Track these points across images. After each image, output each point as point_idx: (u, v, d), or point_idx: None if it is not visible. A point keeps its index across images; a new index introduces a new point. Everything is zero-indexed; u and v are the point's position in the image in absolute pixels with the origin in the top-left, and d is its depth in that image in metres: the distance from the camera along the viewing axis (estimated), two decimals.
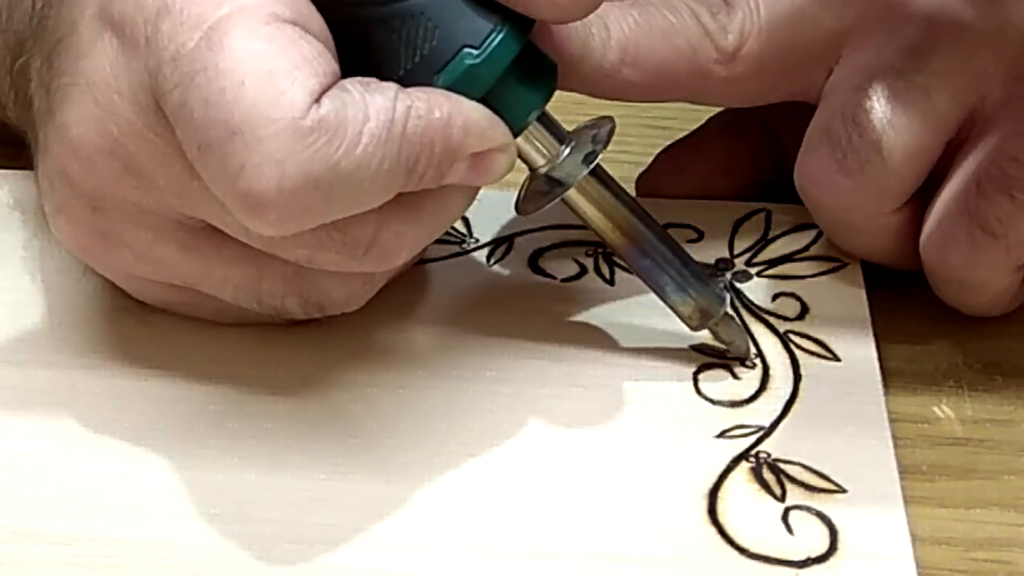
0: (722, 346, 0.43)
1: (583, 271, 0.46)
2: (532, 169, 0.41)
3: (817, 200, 0.44)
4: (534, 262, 0.46)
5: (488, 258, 0.46)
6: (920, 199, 0.44)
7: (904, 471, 0.40)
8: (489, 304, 0.45)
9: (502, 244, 0.47)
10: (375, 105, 0.36)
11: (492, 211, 0.48)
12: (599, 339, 0.43)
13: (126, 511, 0.38)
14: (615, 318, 0.44)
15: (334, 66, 0.37)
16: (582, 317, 0.44)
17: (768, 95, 0.46)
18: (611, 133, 0.41)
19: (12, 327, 0.44)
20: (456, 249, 0.47)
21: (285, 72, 0.36)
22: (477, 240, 0.47)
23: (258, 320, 0.42)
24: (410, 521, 0.38)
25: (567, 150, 0.41)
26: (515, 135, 0.39)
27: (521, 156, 0.40)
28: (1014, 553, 0.38)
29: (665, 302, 0.42)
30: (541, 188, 0.41)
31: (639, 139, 0.51)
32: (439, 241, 0.46)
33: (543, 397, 0.42)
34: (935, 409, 0.42)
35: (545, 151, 0.40)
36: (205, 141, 0.36)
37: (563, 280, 0.46)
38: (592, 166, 0.40)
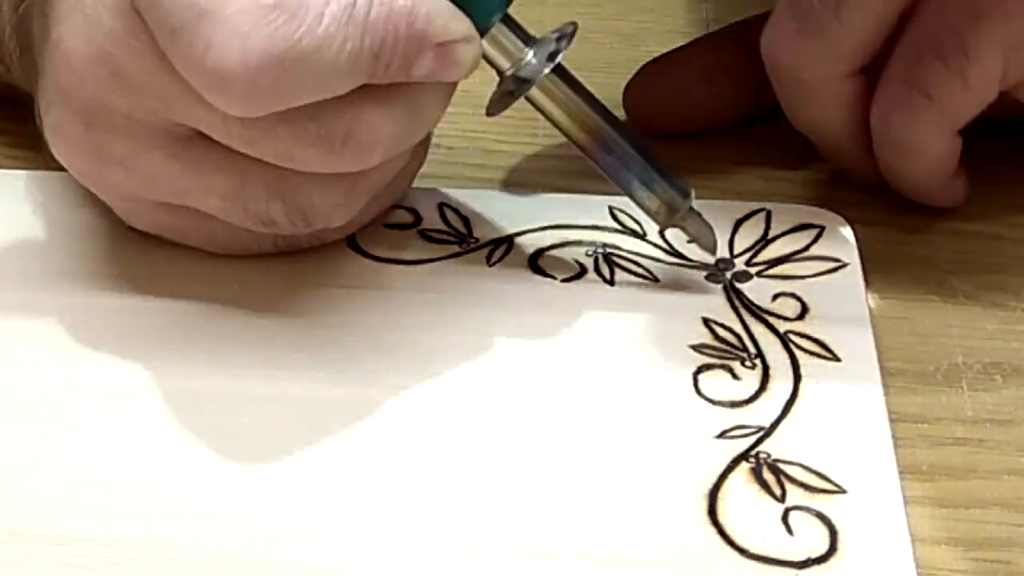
0: (690, 239, 0.45)
1: (583, 271, 0.46)
2: (500, 73, 0.43)
3: (778, 61, 0.46)
4: (534, 262, 0.46)
5: (488, 258, 0.46)
6: (871, 74, 0.46)
7: (904, 471, 0.40)
8: (489, 304, 0.45)
9: (502, 244, 0.47)
10: None
11: (492, 211, 0.48)
12: (599, 339, 0.43)
13: (126, 511, 0.38)
14: (615, 318, 0.44)
15: None
16: (582, 317, 0.44)
17: None
18: (573, 34, 0.43)
19: (12, 327, 0.44)
20: (456, 249, 0.47)
21: None
22: (477, 240, 0.47)
23: (246, 246, 0.44)
24: (410, 521, 0.38)
25: (531, 51, 0.43)
26: (481, 36, 0.41)
27: (488, 60, 0.42)
28: (1014, 553, 0.38)
29: (632, 198, 0.44)
30: (507, 89, 0.43)
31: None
32: (439, 241, 0.47)
33: (543, 397, 0.42)
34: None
35: (511, 53, 0.42)
36: (174, 25, 0.38)
37: (563, 280, 0.46)
38: (555, 64, 0.42)
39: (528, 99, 0.43)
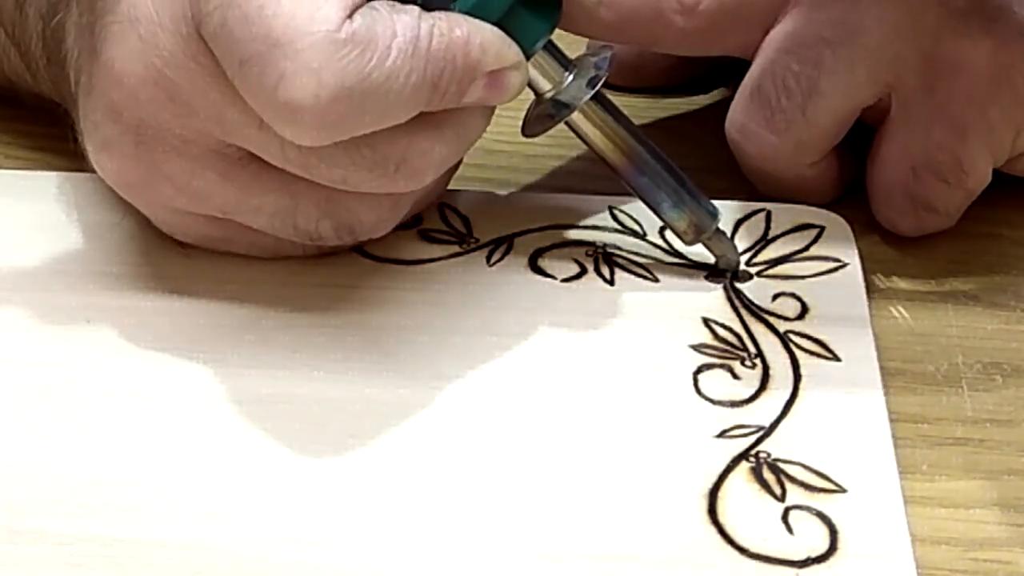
0: (714, 258, 0.46)
1: (583, 271, 0.46)
2: (538, 94, 0.44)
3: (744, 150, 0.48)
4: (534, 262, 0.46)
5: (488, 258, 0.46)
6: (835, 152, 0.48)
7: (904, 471, 0.40)
8: (489, 304, 0.45)
9: (502, 244, 0.47)
10: (402, 22, 0.39)
11: (492, 211, 0.48)
12: (599, 339, 0.43)
13: (126, 511, 0.38)
14: (615, 318, 0.44)
15: None
16: (582, 317, 0.44)
17: (714, 48, 0.50)
18: (613, 60, 0.44)
19: (16, 326, 0.44)
20: (456, 249, 0.47)
21: None
22: (477, 240, 0.47)
23: (291, 252, 0.45)
24: (410, 521, 0.38)
25: (571, 76, 0.43)
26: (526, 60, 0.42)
27: (528, 82, 0.43)
28: (1014, 553, 0.38)
29: (661, 217, 0.45)
30: (547, 112, 0.44)
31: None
32: (439, 241, 0.47)
33: (543, 397, 0.42)
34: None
35: (551, 76, 0.43)
36: (245, 55, 0.38)
37: (563, 280, 0.46)
38: (595, 90, 0.43)
39: (566, 122, 0.44)
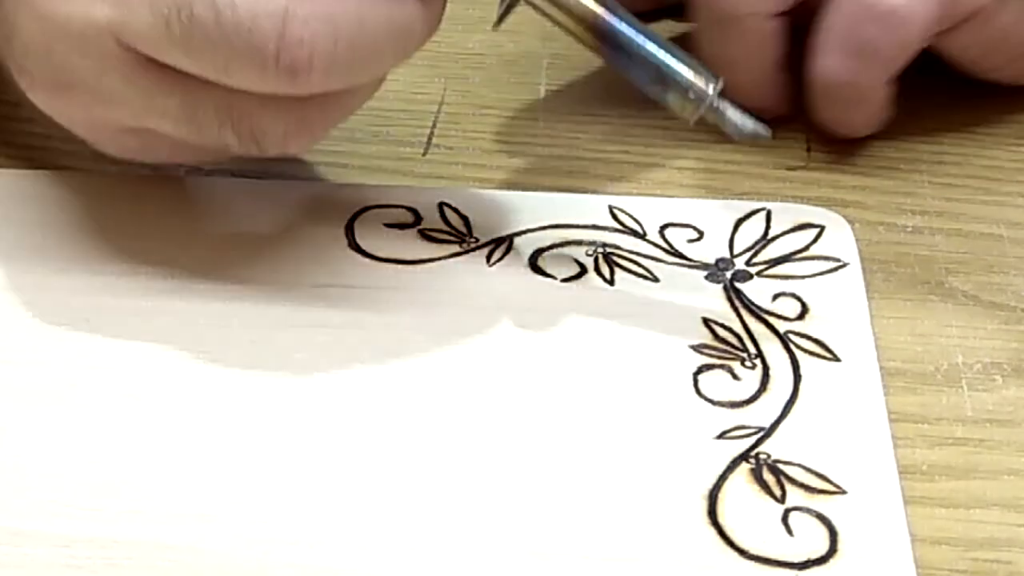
0: (729, 132, 0.43)
1: (583, 271, 0.46)
2: None
3: None
4: (534, 262, 0.46)
5: (488, 258, 0.46)
6: (790, 16, 0.49)
7: (904, 471, 0.40)
8: (489, 304, 0.45)
9: (502, 244, 0.47)
10: None
11: (492, 211, 0.48)
12: (599, 339, 0.43)
13: (126, 511, 0.38)
14: (615, 318, 0.44)
15: None
16: (582, 317, 0.44)
17: None
18: None
19: (16, 326, 0.44)
20: (456, 249, 0.47)
21: None
22: (477, 240, 0.47)
23: (215, 157, 0.45)
24: (410, 521, 0.38)
25: None
26: None
27: None
28: (1014, 553, 0.38)
29: (651, 96, 0.43)
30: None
31: (640, 138, 0.51)
32: (439, 241, 0.47)
33: (543, 397, 0.42)
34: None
35: None
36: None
37: (563, 280, 0.46)
38: None
39: (529, 2, 0.42)
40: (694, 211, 0.48)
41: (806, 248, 0.47)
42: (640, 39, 0.42)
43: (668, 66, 0.42)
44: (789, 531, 0.38)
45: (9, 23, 0.43)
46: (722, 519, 0.38)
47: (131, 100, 0.43)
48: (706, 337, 0.43)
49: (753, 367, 0.43)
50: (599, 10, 0.42)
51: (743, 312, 0.44)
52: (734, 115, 0.43)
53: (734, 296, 0.45)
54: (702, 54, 0.47)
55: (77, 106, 0.44)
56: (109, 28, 0.41)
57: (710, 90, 0.42)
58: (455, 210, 0.48)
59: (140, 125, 0.43)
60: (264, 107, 0.42)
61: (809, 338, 0.44)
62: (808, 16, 0.49)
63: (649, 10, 0.53)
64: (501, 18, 0.43)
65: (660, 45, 0.42)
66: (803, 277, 0.46)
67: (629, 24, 0.42)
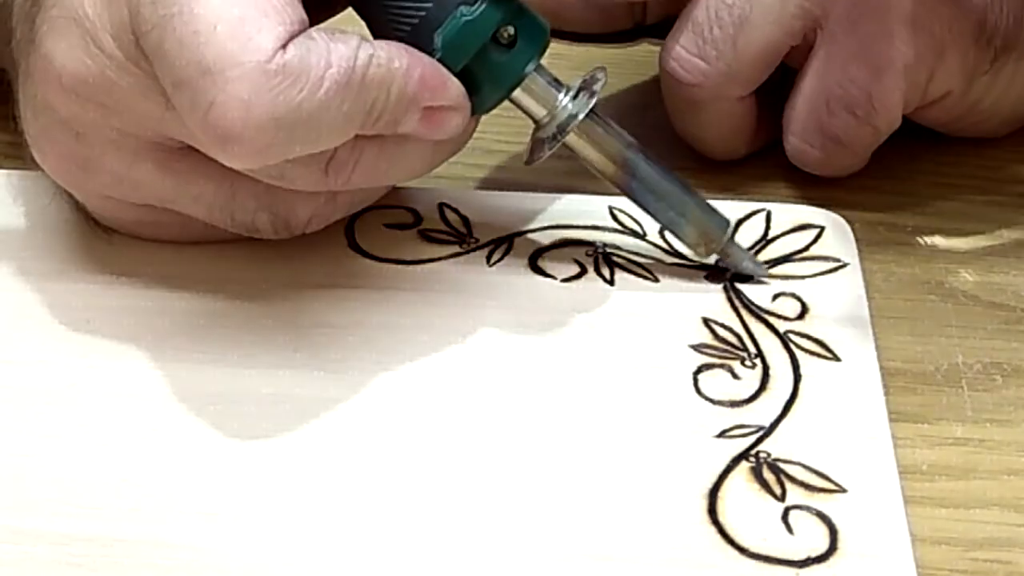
0: (732, 270, 0.45)
1: (583, 271, 0.46)
2: (535, 121, 0.44)
3: (676, 76, 0.49)
4: (534, 262, 0.46)
5: (488, 258, 0.46)
6: (760, 94, 0.50)
7: (904, 471, 0.40)
8: (489, 304, 0.45)
9: (502, 244, 0.47)
10: (338, 52, 0.39)
11: (492, 211, 0.48)
12: (599, 339, 0.43)
13: (126, 511, 0.38)
14: (615, 318, 0.44)
15: (302, 15, 0.39)
16: (582, 317, 0.44)
17: None
18: (604, 79, 0.44)
19: (16, 326, 0.44)
20: (456, 249, 0.47)
21: (254, 19, 0.38)
22: (477, 240, 0.47)
23: (221, 237, 0.44)
24: (409, 521, 0.38)
25: (565, 99, 0.44)
26: (514, 87, 0.43)
27: (524, 110, 0.44)
28: (1014, 553, 0.38)
29: (671, 232, 0.45)
30: (544, 136, 0.44)
31: (640, 139, 0.51)
32: (439, 241, 0.47)
33: (543, 397, 0.42)
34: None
35: (545, 101, 0.43)
36: (179, 79, 0.38)
37: (563, 280, 0.46)
38: (589, 109, 0.43)
39: (565, 144, 0.44)
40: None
41: (806, 248, 0.47)
42: (664, 182, 0.45)
43: (688, 209, 0.45)
44: (789, 529, 0.38)
45: (30, 96, 0.42)
46: (722, 517, 0.38)
47: (163, 187, 0.42)
48: (706, 337, 0.43)
49: (753, 366, 0.43)
50: (630, 152, 0.44)
51: (743, 312, 0.44)
52: (739, 256, 0.45)
53: (734, 296, 0.45)
54: (675, 128, 0.50)
55: (97, 185, 0.43)
56: None
57: (723, 237, 0.45)
58: (455, 210, 0.48)
59: (166, 207, 0.43)
60: (300, 194, 0.43)
61: (809, 338, 0.44)
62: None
63: (628, 28, 0.56)
64: (534, 159, 0.44)
65: (681, 188, 0.45)
66: (803, 277, 0.46)
67: (653, 166, 0.44)
